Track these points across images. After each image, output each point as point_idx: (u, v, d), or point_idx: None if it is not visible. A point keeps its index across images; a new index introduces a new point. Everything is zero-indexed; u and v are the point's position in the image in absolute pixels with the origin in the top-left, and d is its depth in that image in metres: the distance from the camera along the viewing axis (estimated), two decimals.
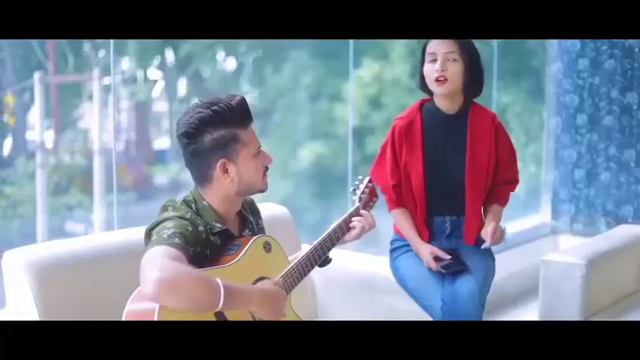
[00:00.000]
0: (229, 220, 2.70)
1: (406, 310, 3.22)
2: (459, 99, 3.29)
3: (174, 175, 8.03)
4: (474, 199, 3.30)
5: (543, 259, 3.83)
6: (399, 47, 6.67)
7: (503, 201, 3.41)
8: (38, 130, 6.88)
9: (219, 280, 2.34)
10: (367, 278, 3.44)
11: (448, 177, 3.30)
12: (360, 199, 3.07)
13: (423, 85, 3.31)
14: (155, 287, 2.24)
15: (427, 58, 3.23)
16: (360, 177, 3.13)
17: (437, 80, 3.21)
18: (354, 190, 3.09)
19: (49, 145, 7.20)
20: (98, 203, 6.93)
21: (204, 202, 2.63)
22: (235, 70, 7.56)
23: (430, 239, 3.35)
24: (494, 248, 3.22)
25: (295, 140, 7.08)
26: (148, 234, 2.52)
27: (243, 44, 7.13)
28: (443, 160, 3.30)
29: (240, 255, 2.58)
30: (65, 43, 6.98)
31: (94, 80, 6.93)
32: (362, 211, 3.01)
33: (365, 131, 6.72)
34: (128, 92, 8.04)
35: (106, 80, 7.86)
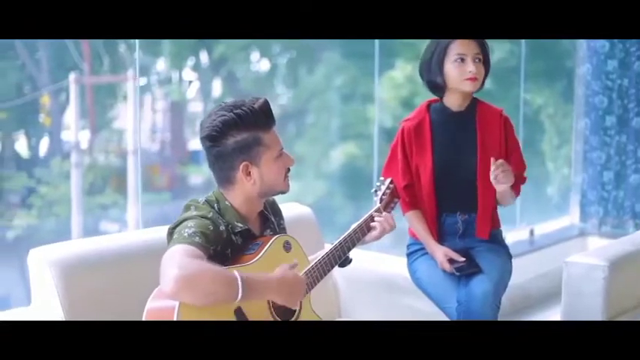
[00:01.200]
0: (251, 220, 2.72)
1: (426, 311, 3.21)
2: (467, 96, 3.29)
3: (208, 175, 8.08)
4: (485, 195, 3.28)
5: (566, 260, 3.81)
6: None
7: (517, 192, 3.39)
8: (73, 130, 6.95)
9: (236, 273, 2.37)
10: (389, 279, 3.44)
11: (459, 175, 3.29)
12: (382, 199, 3.06)
13: (435, 85, 3.28)
14: (174, 284, 2.27)
15: (452, 57, 3.21)
16: (382, 178, 3.13)
17: (469, 79, 3.20)
18: (376, 190, 3.09)
19: (84, 145, 7.28)
20: (132, 203, 6.98)
21: (227, 202, 2.65)
22: (269, 71, 7.60)
23: (442, 239, 3.33)
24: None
25: (328, 141, 7.10)
26: (170, 233, 2.55)
27: (277, 45, 7.16)
28: (453, 159, 3.29)
29: (260, 254, 2.59)
30: (100, 43, 7.04)
31: (127, 81, 6.97)
32: (383, 212, 3.01)
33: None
34: (163, 93, 8.10)
35: (141, 81, 7.95)
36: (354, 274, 3.48)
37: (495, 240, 3.36)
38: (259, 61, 7.56)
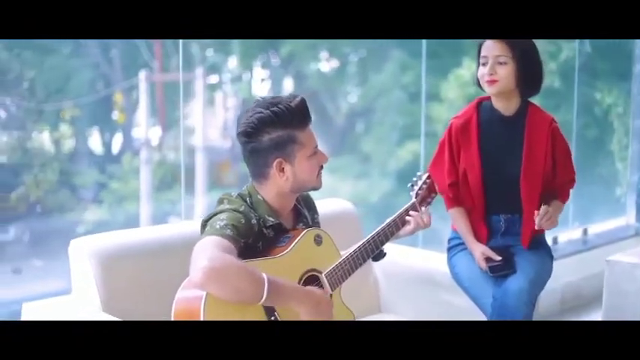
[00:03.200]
0: (283, 214, 2.75)
1: (464, 306, 3.21)
2: (516, 100, 3.26)
3: None
4: (529, 201, 3.26)
5: (607, 259, 3.77)
6: None
7: (564, 197, 3.38)
8: (143, 127, 7.05)
9: (265, 275, 2.39)
10: (428, 274, 3.44)
11: (504, 176, 3.27)
12: (417, 194, 3.05)
13: (480, 86, 3.31)
14: (202, 275, 2.31)
15: (481, 60, 3.22)
16: (419, 173, 3.12)
17: (487, 82, 3.21)
18: (412, 185, 3.08)
19: (154, 142, 7.38)
20: (199, 199, 7.06)
21: (259, 197, 2.68)
22: (338, 70, 7.60)
23: (489, 237, 3.32)
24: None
25: (394, 140, 7.07)
26: (203, 225, 2.59)
27: (346, 44, 7.16)
28: (499, 160, 3.27)
29: (291, 247, 2.62)
30: (170, 42, 7.13)
31: (197, 79, 7.05)
32: (419, 208, 3.01)
33: None
34: (234, 90, 8.17)
35: (212, 79, 8.02)
36: (394, 270, 3.48)
37: (536, 240, 3.34)
38: (328, 59, 7.56)
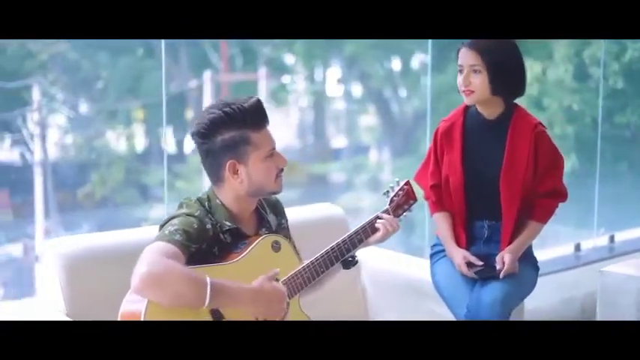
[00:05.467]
0: (243, 219, 2.69)
1: (448, 316, 3.12)
2: (499, 105, 3.16)
3: (347, 171, 8.14)
4: (509, 207, 3.16)
5: (601, 269, 3.67)
6: (563, 48, 6.48)
7: (543, 216, 3.22)
8: None
9: (207, 278, 2.35)
10: (418, 283, 3.34)
11: (486, 182, 3.19)
12: (392, 200, 2.96)
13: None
14: (140, 281, 2.29)
15: (458, 69, 3.15)
16: (398, 179, 3.05)
17: (463, 92, 3.13)
18: (387, 191, 3.01)
19: None
20: None
21: (217, 201, 2.63)
22: (401, 70, 7.59)
23: (469, 244, 3.25)
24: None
25: None
26: (160, 229, 2.56)
27: (410, 44, 7.14)
28: (481, 164, 3.19)
29: (245, 253, 2.57)
30: (236, 42, 7.21)
31: (259, 79, 7.11)
32: (392, 214, 2.92)
33: None
34: (302, 91, 8.21)
35: (284, 80, 8.09)
36: (382, 277, 3.42)
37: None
38: (391, 60, 7.56)
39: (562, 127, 6.67)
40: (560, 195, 3.25)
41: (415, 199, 3.02)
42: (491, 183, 3.17)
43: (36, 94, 6.90)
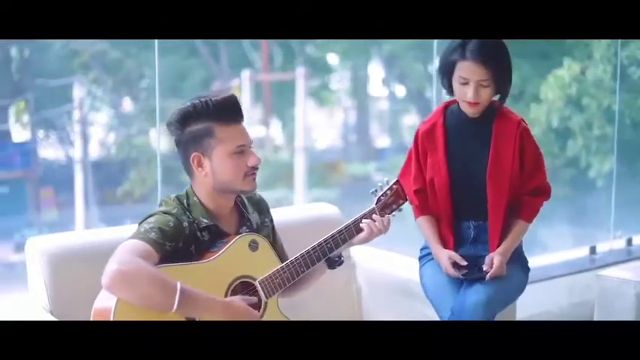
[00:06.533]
0: (222, 216, 2.64)
1: (435, 318, 3.06)
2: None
3: (389, 171, 8.12)
4: (495, 206, 3.09)
5: (598, 273, 3.58)
6: (602, 48, 6.38)
7: (529, 214, 3.14)
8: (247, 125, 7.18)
9: (179, 284, 2.33)
10: (414, 284, 3.28)
11: (472, 181, 3.11)
12: (379, 200, 2.86)
13: (449, 89, 3.15)
14: (109, 279, 2.28)
15: (457, 77, 3.06)
16: (387, 179, 2.97)
17: (469, 104, 3.06)
18: (375, 190, 2.93)
19: (260, 140, 7.50)
20: (299, 198, 7.14)
21: (195, 198, 2.60)
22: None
23: (456, 245, 3.18)
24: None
25: None
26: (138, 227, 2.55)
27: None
28: (466, 164, 3.11)
29: (221, 252, 2.53)
30: (276, 42, 7.24)
31: (297, 78, 7.13)
32: (378, 214, 2.83)
33: (566, 133, 6.50)
34: (343, 90, 8.22)
35: (333, 79, 8.09)
36: (378, 278, 3.37)
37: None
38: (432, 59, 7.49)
39: (602, 128, 6.57)
40: (545, 192, 3.20)
41: (405, 199, 2.95)
42: (478, 182, 3.11)
43: (77, 92, 7.01)
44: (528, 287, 3.19)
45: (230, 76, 7.40)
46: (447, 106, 3.16)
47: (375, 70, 8.21)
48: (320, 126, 8.40)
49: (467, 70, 2.97)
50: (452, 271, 3.06)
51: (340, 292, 2.66)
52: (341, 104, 8.56)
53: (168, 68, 7.46)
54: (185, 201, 2.58)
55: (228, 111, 2.53)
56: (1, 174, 6.95)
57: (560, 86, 6.36)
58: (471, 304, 2.93)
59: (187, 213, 2.55)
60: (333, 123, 8.61)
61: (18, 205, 7.04)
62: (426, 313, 3.13)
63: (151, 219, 2.48)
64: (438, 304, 3.08)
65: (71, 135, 7.13)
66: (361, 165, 8.34)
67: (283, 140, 7.90)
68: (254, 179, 2.59)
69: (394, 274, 3.39)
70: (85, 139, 7.13)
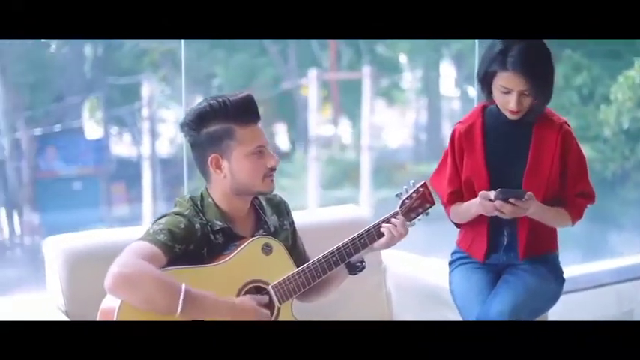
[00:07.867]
0: (237, 219, 2.59)
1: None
2: None
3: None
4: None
5: None
6: None
7: (575, 212, 3.04)
8: (312, 124, 7.17)
9: (184, 286, 2.29)
10: (444, 289, 3.19)
11: (510, 183, 3.01)
12: (404, 203, 2.74)
13: (489, 94, 3.05)
14: (111, 281, 2.26)
15: (498, 86, 2.96)
16: (413, 181, 2.85)
17: (510, 112, 2.96)
18: (400, 193, 2.81)
19: (326, 139, 7.49)
20: (365, 198, 7.10)
21: (209, 199, 2.56)
22: None
23: (489, 251, 3.08)
24: None
25: None
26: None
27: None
28: (505, 166, 3.00)
29: (233, 255, 2.48)
30: (343, 42, 7.22)
31: (364, 77, 7.09)
32: (393, 219, 2.72)
33: (637, 135, 6.32)
34: (413, 90, 8.15)
35: (396, 78, 8.04)
36: (408, 283, 3.30)
37: (541, 258, 3.06)
38: None
39: None
40: (590, 197, 3.09)
41: (432, 203, 2.82)
42: (515, 185, 3.02)
43: (146, 90, 7.09)
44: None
45: (298, 75, 7.40)
46: (485, 106, 3.07)
47: (447, 70, 8.11)
48: (390, 125, 8.34)
49: (508, 80, 2.87)
50: (493, 205, 2.89)
51: (370, 296, 2.58)
52: (412, 104, 8.48)
53: (236, 67, 7.53)
54: (199, 202, 2.53)
55: (247, 111, 2.49)
56: (74, 170, 7.05)
57: (631, 87, 6.20)
58: (496, 312, 2.84)
59: (200, 215, 2.51)
60: (405, 122, 8.55)
61: (91, 200, 7.14)
62: (449, 317, 3.08)
63: (162, 220, 2.45)
64: (464, 308, 3.01)
65: (141, 132, 7.22)
66: (429, 165, 8.25)
67: (351, 140, 7.87)
68: (272, 180, 2.55)
69: (427, 279, 3.32)
70: (154, 135, 7.21)
